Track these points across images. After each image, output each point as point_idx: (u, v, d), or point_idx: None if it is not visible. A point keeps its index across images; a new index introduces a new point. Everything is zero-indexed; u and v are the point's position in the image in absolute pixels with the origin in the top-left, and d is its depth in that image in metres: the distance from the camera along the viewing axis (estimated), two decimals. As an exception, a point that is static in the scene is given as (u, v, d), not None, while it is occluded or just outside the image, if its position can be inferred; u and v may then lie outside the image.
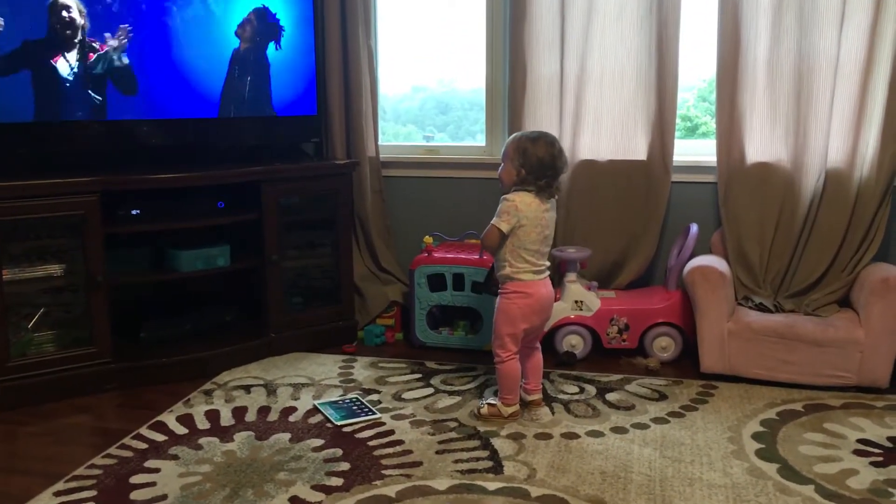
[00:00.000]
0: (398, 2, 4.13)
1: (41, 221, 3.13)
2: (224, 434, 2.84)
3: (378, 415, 2.97)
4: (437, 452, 2.67)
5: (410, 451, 2.68)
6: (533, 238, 2.79)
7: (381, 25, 4.11)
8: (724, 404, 3.03)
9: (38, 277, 3.16)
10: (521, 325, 2.84)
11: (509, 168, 2.81)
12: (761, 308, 3.36)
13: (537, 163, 2.75)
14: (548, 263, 2.89)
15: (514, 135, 2.88)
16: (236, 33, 3.59)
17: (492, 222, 2.79)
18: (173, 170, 3.35)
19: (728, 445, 2.70)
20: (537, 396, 2.96)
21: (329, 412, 2.99)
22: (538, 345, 3.01)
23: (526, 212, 2.76)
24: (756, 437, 2.75)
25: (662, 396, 3.12)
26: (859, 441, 2.72)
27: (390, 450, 2.70)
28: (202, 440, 2.79)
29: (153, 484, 2.50)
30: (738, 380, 3.22)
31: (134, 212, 3.31)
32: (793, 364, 3.15)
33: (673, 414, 2.95)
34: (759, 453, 2.64)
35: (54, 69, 3.23)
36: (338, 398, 3.14)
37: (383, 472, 2.54)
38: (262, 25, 3.65)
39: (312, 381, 3.34)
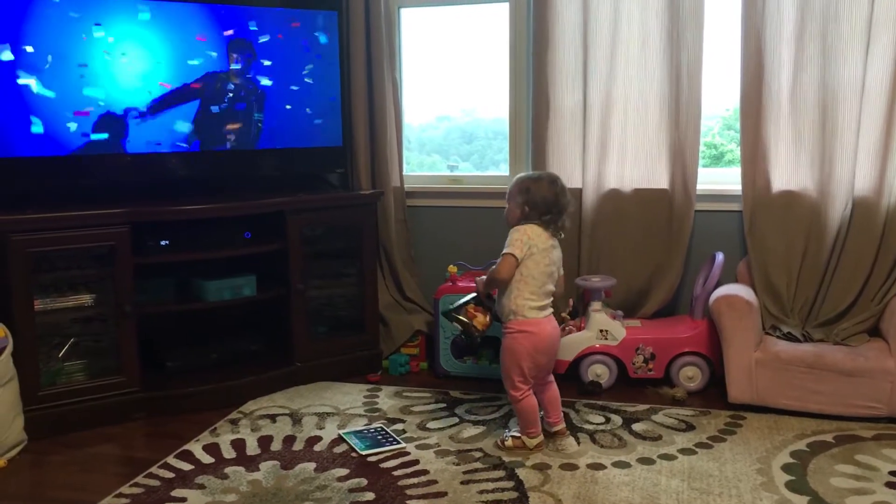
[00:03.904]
0: (422, 32, 4.19)
1: (72, 252, 3.18)
2: (250, 463, 2.84)
3: (403, 444, 2.97)
4: (461, 483, 2.66)
5: (435, 482, 2.67)
6: (541, 269, 2.80)
7: (405, 55, 4.16)
8: (752, 435, 2.99)
9: (69, 307, 3.22)
10: (527, 364, 2.83)
11: (513, 207, 2.86)
12: (789, 337, 3.33)
13: (541, 201, 2.80)
14: (550, 300, 2.88)
15: (517, 176, 2.93)
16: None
17: (504, 252, 2.80)
18: (201, 201, 3.41)
19: (757, 477, 2.66)
20: (561, 427, 2.94)
21: (354, 442, 2.99)
22: (551, 378, 2.98)
23: (536, 241, 2.78)
24: (786, 468, 2.71)
25: (690, 427, 3.08)
26: (892, 473, 2.67)
27: (415, 480, 2.69)
28: (228, 469, 2.80)
29: (179, 513, 2.51)
30: (766, 410, 3.18)
31: (163, 242, 3.36)
32: (822, 394, 3.11)
33: (700, 445, 2.92)
34: (789, 485, 2.60)
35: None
36: (363, 427, 3.14)
37: (408, 502, 2.53)
38: (291, 59, 3.71)
39: (337, 410, 3.34)
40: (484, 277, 2.93)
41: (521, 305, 2.81)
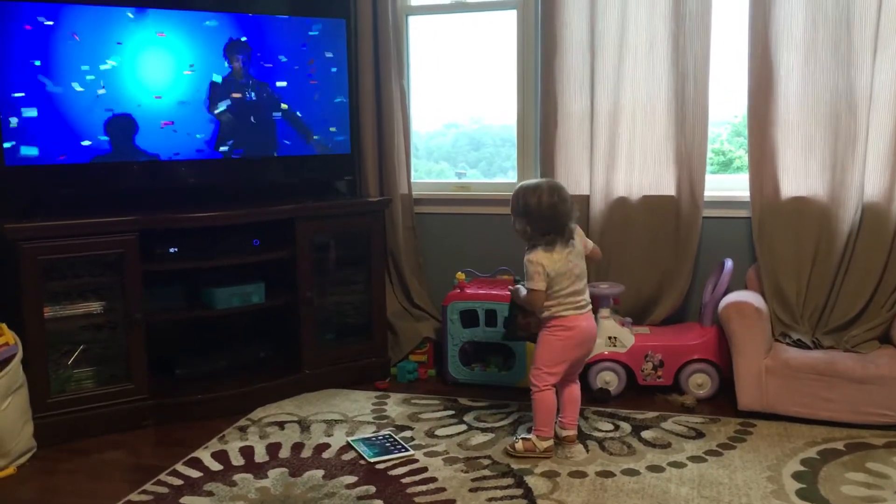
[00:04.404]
0: (430, 40, 4.20)
1: (81, 260, 3.19)
2: (258, 470, 2.84)
3: (411, 451, 2.97)
4: (470, 490, 2.65)
5: (444, 489, 2.67)
6: (564, 286, 2.84)
7: (413, 63, 4.17)
8: (762, 443, 2.98)
9: (79, 315, 3.23)
10: (561, 358, 2.86)
11: (517, 225, 2.89)
12: (799, 344, 3.31)
13: (539, 217, 2.81)
14: (587, 297, 2.91)
15: (517, 186, 2.93)
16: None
17: (528, 287, 2.84)
18: (210, 208, 3.41)
19: (767, 485, 2.64)
20: (572, 432, 2.94)
21: (362, 449, 2.99)
22: (576, 378, 2.99)
23: (551, 266, 2.81)
24: (796, 476, 2.70)
25: (699, 434, 3.07)
26: (904, 481, 2.66)
27: (423, 487, 2.68)
28: (236, 476, 2.80)
29: (188, 520, 2.51)
30: (776, 417, 3.16)
31: (171, 250, 3.37)
32: (833, 402, 3.09)
33: (710, 452, 2.91)
34: (799, 493, 2.58)
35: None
36: (371, 435, 3.14)
37: (416, 510, 2.53)
38: (299, 67, 3.73)
39: (345, 417, 3.34)
40: (520, 288, 2.97)
41: (557, 311, 2.86)
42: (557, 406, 2.92)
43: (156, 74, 3.43)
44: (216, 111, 3.57)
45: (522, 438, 2.92)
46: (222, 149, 3.60)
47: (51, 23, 3.20)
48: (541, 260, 2.81)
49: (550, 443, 2.88)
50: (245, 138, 3.65)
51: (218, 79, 3.55)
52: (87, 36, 3.27)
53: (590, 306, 2.92)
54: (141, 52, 3.39)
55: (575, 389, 2.98)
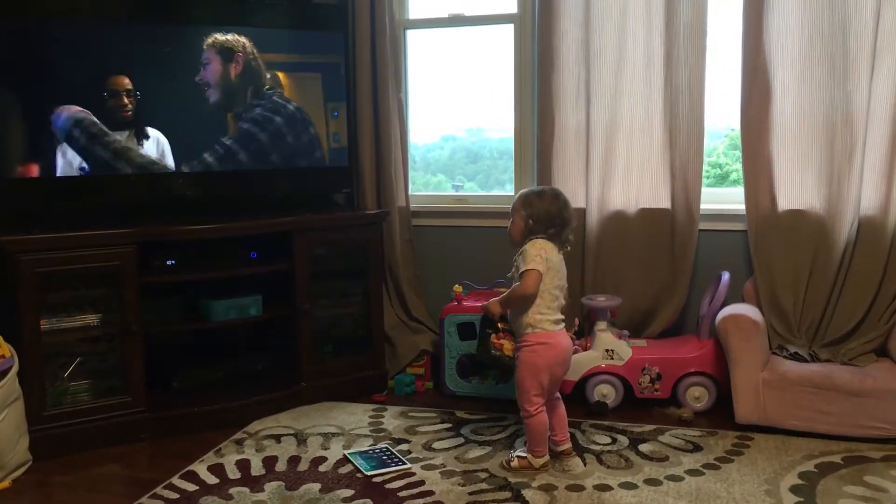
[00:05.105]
0: (428, 53, 4.22)
1: (79, 272, 3.19)
2: (254, 484, 2.83)
3: (408, 465, 2.96)
4: (467, 503, 2.65)
5: (441, 503, 2.66)
6: (555, 283, 2.82)
7: (410, 75, 4.19)
8: (760, 456, 2.97)
9: (75, 327, 3.22)
10: (545, 377, 2.83)
11: (517, 220, 2.88)
12: (796, 357, 3.31)
13: (545, 213, 2.82)
14: (563, 316, 2.89)
15: (520, 192, 2.95)
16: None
17: (526, 268, 2.78)
18: (208, 221, 3.42)
19: (765, 499, 2.64)
20: (567, 446, 2.93)
21: (359, 462, 2.98)
22: (558, 395, 2.99)
23: (550, 255, 2.80)
24: (794, 490, 2.69)
25: (697, 447, 3.07)
26: (901, 495, 2.65)
27: (420, 501, 2.68)
28: (233, 490, 2.79)
29: (184, 534, 2.50)
30: (774, 431, 3.16)
31: (169, 262, 3.37)
32: (830, 415, 3.09)
33: (708, 466, 2.90)
34: (797, 507, 2.58)
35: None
36: (368, 448, 3.13)
37: (413, 523, 2.53)
38: (297, 80, 3.74)
39: (342, 430, 3.33)
40: (494, 299, 2.93)
41: (538, 319, 2.82)
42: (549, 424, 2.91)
43: (154, 86, 3.44)
44: (215, 123, 3.58)
45: (518, 456, 2.91)
46: (221, 161, 3.61)
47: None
48: (543, 245, 2.80)
49: (546, 458, 2.88)
50: (242, 151, 3.66)
51: (217, 94, 3.56)
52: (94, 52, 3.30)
53: (564, 323, 2.90)
54: (138, 66, 3.40)
55: (561, 407, 2.97)
